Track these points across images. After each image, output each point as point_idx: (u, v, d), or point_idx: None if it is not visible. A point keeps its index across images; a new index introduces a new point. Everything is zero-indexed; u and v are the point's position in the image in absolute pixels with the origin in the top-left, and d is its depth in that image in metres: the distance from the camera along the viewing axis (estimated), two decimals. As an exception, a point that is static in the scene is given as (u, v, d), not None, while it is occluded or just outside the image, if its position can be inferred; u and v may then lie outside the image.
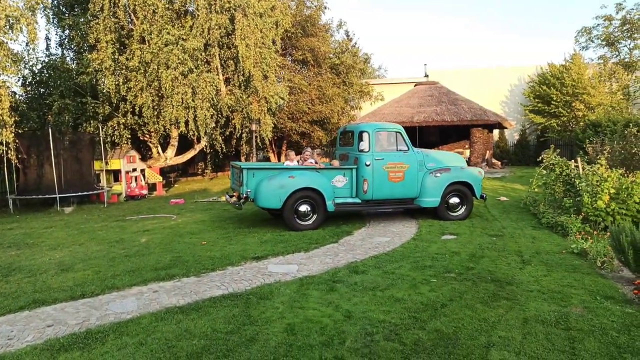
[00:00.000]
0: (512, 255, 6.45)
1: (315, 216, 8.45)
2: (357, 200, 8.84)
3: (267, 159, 27.01)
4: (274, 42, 16.14)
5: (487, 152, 21.29)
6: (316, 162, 9.48)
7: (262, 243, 7.36)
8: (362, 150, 8.79)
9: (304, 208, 8.39)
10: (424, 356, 3.50)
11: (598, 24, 24.22)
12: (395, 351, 3.58)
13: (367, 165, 8.69)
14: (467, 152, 21.68)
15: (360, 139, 8.86)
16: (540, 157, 10.09)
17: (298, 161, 9.61)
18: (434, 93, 22.33)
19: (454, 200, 9.19)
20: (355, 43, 25.10)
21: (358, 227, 8.63)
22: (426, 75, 26.94)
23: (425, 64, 28.87)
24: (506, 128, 22.39)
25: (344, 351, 3.58)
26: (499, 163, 21.72)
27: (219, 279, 5.53)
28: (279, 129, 21.02)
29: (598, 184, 7.86)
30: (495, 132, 24.19)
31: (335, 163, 9.47)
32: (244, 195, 8.19)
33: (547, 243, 7.13)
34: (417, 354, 3.54)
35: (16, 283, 5.49)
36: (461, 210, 9.24)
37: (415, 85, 24.17)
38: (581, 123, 19.63)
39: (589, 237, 6.88)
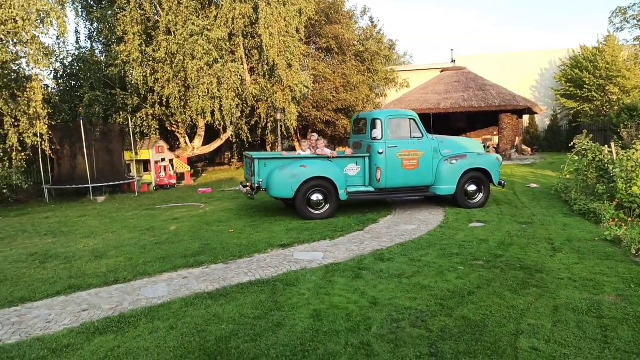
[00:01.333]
0: (542, 242, 6.32)
1: (327, 205, 8.47)
2: (371, 189, 8.75)
3: (293, 148, 27.09)
4: (297, 31, 16.08)
5: (517, 138, 20.82)
6: (316, 149, 9.30)
7: (288, 231, 7.42)
8: (374, 138, 8.65)
9: (316, 197, 8.42)
10: (451, 343, 3.49)
11: (634, 4, 23.24)
12: (421, 337, 3.58)
13: (380, 153, 8.57)
14: (496, 139, 21.24)
15: (374, 126, 8.71)
16: (572, 143, 9.79)
17: (310, 148, 9.45)
18: (461, 79, 21.90)
19: (472, 187, 9.04)
20: (380, 30, 24.73)
21: (384, 215, 8.60)
22: (453, 61, 26.42)
23: (452, 50, 28.26)
24: (536, 113, 21.82)
25: (370, 337, 3.60)
26: (529, 149, 21.22)
27: (246, 265, 5.62)
28: (303, 118, 21.03)
29: (633, 169, 7.60)
30: (525, 117, 23.61)
31: (349, 151, 9.35)
32: (256, 185, 8.29)
33: (579, 230, 6.96)
34: (444, 340, 3.53)
35: (53, 269, 5.70)
36: (479, 198, 9.10)
37: (441, 72, 23.75)
38: (615, 107, 18.96)
39: (623, 224, 6.67)
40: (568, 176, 10.03)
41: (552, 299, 4.28)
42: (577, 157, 9.56)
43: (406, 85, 23.89)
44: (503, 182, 9.35)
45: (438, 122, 22.43)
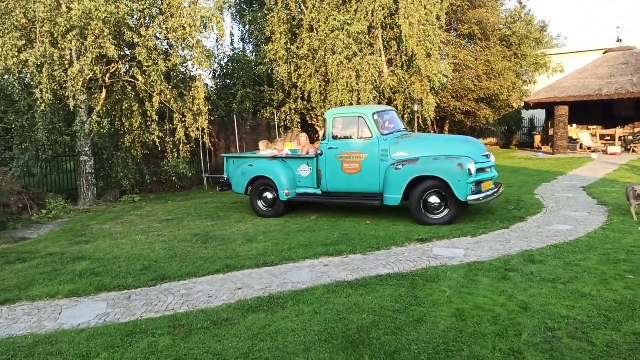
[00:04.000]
0: None
1: (275, 205, 8.58)
2: (318, 192, 8.26)
3: (429, 140, 26.38)
4: (438, 18, 15.53)
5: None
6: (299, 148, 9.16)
7: (426, 225, 7.26)
8: (322, 139, 8.20)
9: (265, 195, 8.67)
10: (619, 361, 3.08)
11: None
12: (582, 351, 3.22)
13: (320, 155, 8.04)
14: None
15: (324, 125, 8.18)
16: None
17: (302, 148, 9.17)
18: (630, 60, 19.06)
19: (434, 199, 7.30)
20: (530, 10, 22.83)
21: (532, 213, 7.91)
22: (619, 40, 23.09)
23: (617, 27, 24.67)
24: None
25: (520, 344, 3.35)
26: None
27: (384, 258, 5.64)
28: (441, 109, 20.33)
29: None
30: None
31: (312, 152, 8.63)
32: (225, 179, 9.12)
33: None
34: (610, 357, 3.13)
35: (212, 249, 6.39)
36: (444, 213, 7.30)
37: (604, 53, 20.94)
38: None
39: None
40: None
41: None
42: None
43: (560, 70, 21.60)
44: (482, 196, 7.10)
45: (599, 110, 19.89)
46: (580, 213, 7.77)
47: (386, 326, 3.72)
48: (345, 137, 7.99)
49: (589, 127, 20.68)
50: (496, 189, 7.66)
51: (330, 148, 8.02)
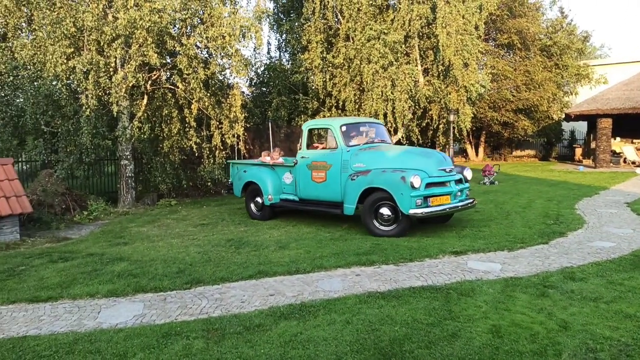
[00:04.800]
0: None
1: (263, 209, 9.25)
2: (296, 198, 8.71)
3: (464, 151, 25.95)
4: (476, 28, 15.35)
5: None
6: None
7: (460, 238, 7.13)
8: (299, 148, 8.76)
9: (257, 199, 9.31)
10: (668, 388, 2.93)
11: None
12: (626, 376, 3.08)
13: (295, 164, 8.62)
14: None
15: (301, 136, 8.69)
16: None
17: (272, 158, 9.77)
18: (679, 71, 18.27)
19: (385, 211, 7.31)
20: (572, 20, 22.25)
21: (573, 229, 7.65)
22: (668, 50, 22.16)
23: (667, 37, 23.72)
24: None
25: (559, 364, 3.23)
26: None
27: (417, 269, 5.56)
28: (478, 119, 19.99)
29: None
30: None
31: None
32: (230, 183, 10.12)
33: None
34: (658, 384, 2.98)
35: (245, 255, 6.46)
36: (393, 225, 7.28)
37: (651, 64, 20.15)
38: None
39: None
40: None
41: None
42: None
43: (603, 81, 20.95)
44: (427, 211, 7.01)
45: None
46: (624, 230, 7.46)
47: (419, 339, 3.66)
48: (317, 148, 8.55)
49: (634, 140, 19.88)
50: (457, 204, 7.51)
51: (302, 157, 8.51)
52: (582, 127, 23.42)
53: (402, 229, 7.26)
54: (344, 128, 8.18)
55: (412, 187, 6.89)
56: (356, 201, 7.53)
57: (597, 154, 18.59)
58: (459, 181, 7.64)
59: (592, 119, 19.47)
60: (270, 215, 9.24)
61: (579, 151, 22.39)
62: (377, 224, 7.41)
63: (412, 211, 6.94)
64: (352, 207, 7.64)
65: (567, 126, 24.39)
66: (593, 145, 19.57)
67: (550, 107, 21.03)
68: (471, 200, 7.91)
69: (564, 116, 21.41)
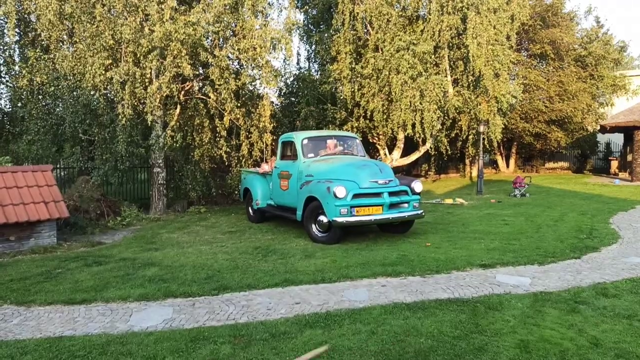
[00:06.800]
0: None
1: (255, 212, 10.10)
2: (274, 204, 9.58)
3: (494, 162, 25.51)
4: (508, 38, 15.16)
5: None
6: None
7: (488, 250, 7.03)
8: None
9: (252, 204, 10.11)
10: None
11: None
12: (661, 397, 2.99)
13: (269, 174, 9.65)
14: None
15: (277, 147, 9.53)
16: None
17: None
18: None
19: (322, 218, 7.77)
20: (608, 30, 21.62)
21: (607, 244, 7.44)
22: None
23: None
24: None
25: (590, 383, 3.16)
26: None
27: (444, 282, 5.52)
28: (509, 130, 19.65)
29: None
30: None
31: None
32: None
33: None
34: (694, 407, 2.88)
35: (272, 263, 6.54)
36: (330, 232, 7.76)
37: (693, 74, 19.42)
38: None
39: None
40: None
41: None
42: None
43: (641, 92, 20.26)
44: (350, 220, 7.36)
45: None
46: (662, 246, 7.20)
47: (445, 352, 3.64)
48: (287, 159, 9.16)
49: (674, 153, 19.12)
50: (389, 216, 7.67)
51: (275, 167, 9.46)
52: (618, 139, 22.70)
53: (333, 236, 7.74)
54: (305, 141, 8.88)
55: (336, 196, 7.35)
56: (302, 208, 8.16)
57: (634, 167, 17.98)
58: (403, 192, 7.92)
59: (628, 131, 18.86)
60: (260, 219, 10.12)
61: (614, 164, 21.69)
62: (316, 230, 7.95)
63: (336, 219, 7.39)
64: (300, 214, 8.31)
65: (602, 138, 23.70)
66: (630, 158, 18.93)
67: (584, 119, 20.49)
68: (420, 212, 8.15)
69: (599, 128, 20.83)
